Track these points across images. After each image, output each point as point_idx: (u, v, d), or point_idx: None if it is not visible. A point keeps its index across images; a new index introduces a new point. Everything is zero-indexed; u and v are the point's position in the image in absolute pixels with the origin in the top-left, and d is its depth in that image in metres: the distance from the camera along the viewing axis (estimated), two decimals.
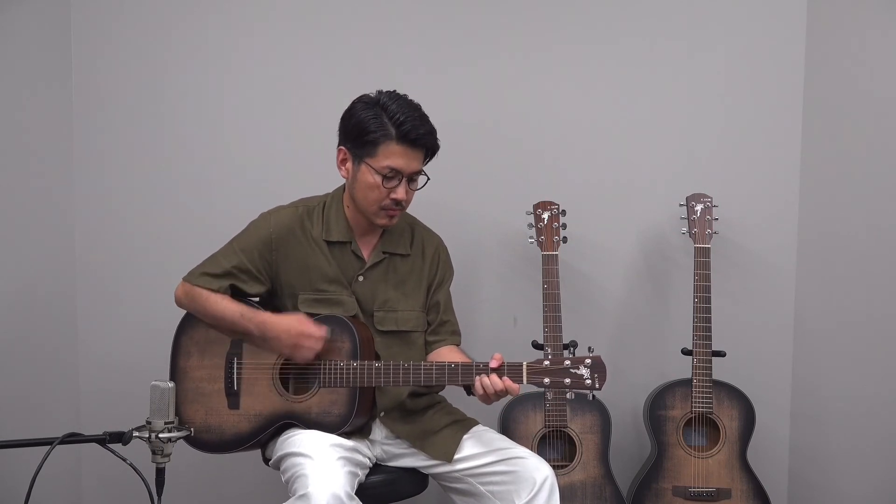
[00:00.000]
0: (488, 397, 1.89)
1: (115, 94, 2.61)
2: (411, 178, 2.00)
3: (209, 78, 2.62)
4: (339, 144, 2.04)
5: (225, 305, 2.01)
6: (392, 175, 1.96)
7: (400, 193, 1.98)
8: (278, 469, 1.94)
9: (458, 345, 2.18)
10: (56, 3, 2.56)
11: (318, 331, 1.95)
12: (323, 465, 1.81)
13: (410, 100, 2.00)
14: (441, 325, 2.17)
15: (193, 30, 2.61)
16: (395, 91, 2.00)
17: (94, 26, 2.59)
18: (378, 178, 1.96)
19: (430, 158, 2.05)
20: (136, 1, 2.61)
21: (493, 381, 1.86)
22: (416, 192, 2.06)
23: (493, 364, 1.88)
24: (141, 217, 2.62)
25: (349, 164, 2.02)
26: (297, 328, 1.95)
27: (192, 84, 2.62)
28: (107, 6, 2.60)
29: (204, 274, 2.04)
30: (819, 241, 2.64)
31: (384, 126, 1.94)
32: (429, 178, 2.05)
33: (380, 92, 2.00)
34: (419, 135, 1.95)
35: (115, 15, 2.60)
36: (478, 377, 1.88)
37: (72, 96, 2.60)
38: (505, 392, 1.87)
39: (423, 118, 1.98)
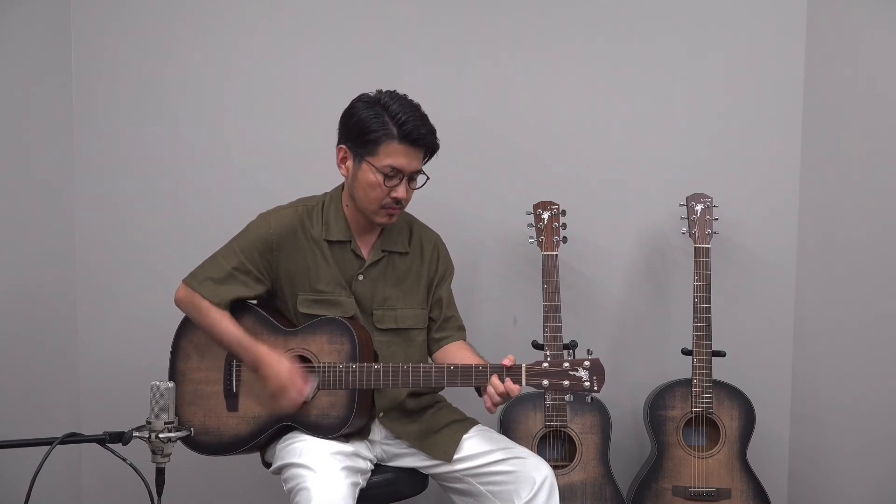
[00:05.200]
0: (493, 404, 1.87)
1: (115, 94, 2.61)
2: (411, 177, 2.01)
3: (209, 78, 2.62)
4: (338, 143, 2.04)
5: (224, 327, 2.00)
6: (393, 174, 1.97)
7: (400, 192, 1.98)
8: (279, 475, 1.94)
9: (464, 339, 2.18)
10: (56, 3, 2.56)
11: (303, 388, 1.94)
12: (325, 478, 1.81)
13: (410, 99, 2.00)
14: (446, 320, 2.17)
15: (193, 30, 2.61)
16: (395, 91, 2.01)
17: (94, 26, 2.59)
18: (379, 177, 1.96)
19: (430, 158, 2.05)
20: (137, 1, 2.61)
21: (495, 385, 1.86)
22: (417, 192, 2.06)
23: (506, 363, 1.87)
24: (141, 217, 2.62)
25: (349, 163, 2.02)
26: (286, 379, 1.94)
27: (192, 84, 2.62)
28: (107, 6, 2.60)
29: (207, 279, 2.03)
30: (819, 241, 2.64)
31: (386, 125, 1.94)
32: (428, 178, 2.06)
33: (380, 91, 2.01)
34: (420, 134, 1.96)
35: (115, 15, 2.60)
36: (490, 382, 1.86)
37: (72, 96, 2.60)
38: (506, 394, 1.86)
39: (424, 118, 1.99)
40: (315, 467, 1.84)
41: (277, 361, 1.95)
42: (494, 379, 1.86)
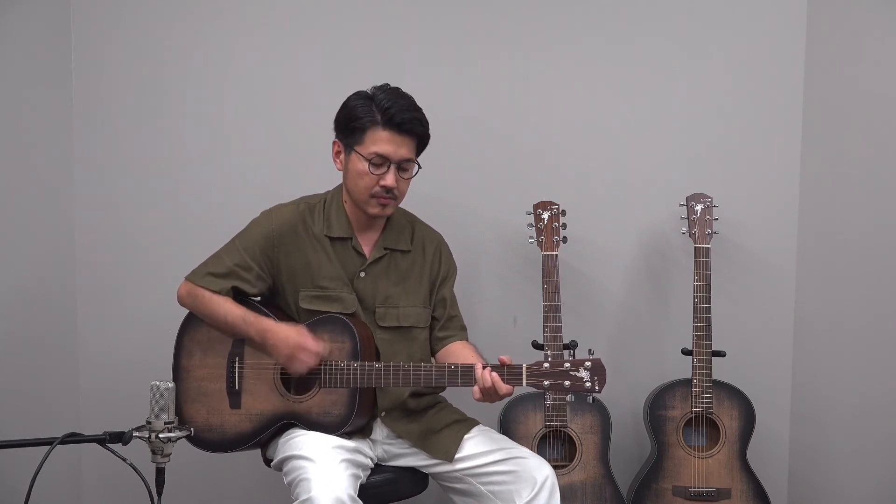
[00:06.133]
0: (482, 395, 1.88)
1: (115, 94, 2.61)
2: (402, 166, 2.01)
3: (209, 78, 2.62)
4: (334, 139, 2.06)
5: (227, 308, 2.01)
6: (380, 161, 1.98)
7: (389, 180, 1.98)
8: (280, 471, 1.94)
9: (466, 339, 2.19)
10: (56, 3, 2.56)
11: (315, 346, 1.95)
12: (325, 468, 1.82)
13: (403, 92, 2.02)
14: (449, 320, 2.18)
15: (193, 30, 2.61)
16: (387, 84, 2.02)
17: (94, 26, 2.59)
18: (365, 165, 1.97)
19: (423, 148, 2.06)
20: (136, 1, 2.61)
21: (483, 377, 1.86)
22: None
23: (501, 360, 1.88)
24: (141, 217, 2.62)
25: (342, 156, 2.04)
26: (296, 340, 1.95)
27: (192, 84, 2.62)
28: (107, 6, 2.60)
29: (208, 274, 2.04)
30: (819, 241, 2.64)
31: (371, 113, 1.97)
32: (420, 167, 2.06)
33: (374, 87, 2.02)
34: (404, 119, 1.97)
35: (115, 15, 2.60)
36: (481, 370, 1.87)
37: (72, 96, 2.60)
38: (494, 390, 1.86)
39: (412, 106, 2.00)
40: (315, 458, 1.84)
41: (284, 328, 1.97)
42: (485, 371, 1.86)
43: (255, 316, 2.00)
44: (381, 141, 1.97)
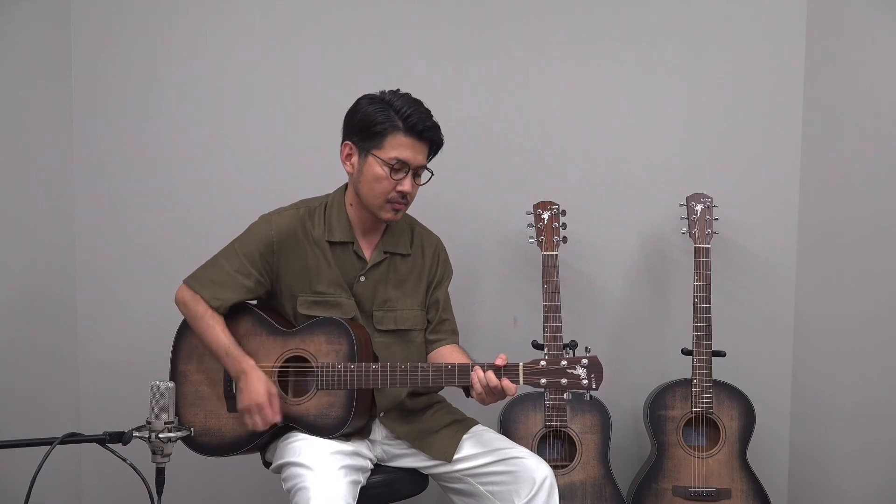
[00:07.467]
0: (484, 396, 1.87)
1: (115, 94, 2.61)
2: (416, 172, 2.02)
3: (209, 78, 2.62)
4: (343, 140, 2.05)
5: (215, 334, 2.00)
6: (399, 167, 1.98)
7: (406, 186, 1.99)
8: (279, 474, 1.94)
9: (457, 343, 2.18)
10: (56, 3, 2.56)
11: (272, 415, 1.94)
12: (324, 477, 1.81)
13: (414, 97, 2.02)
14: (440, 323, 2.17)
15: (193, 30, 2.62)
16: (398, 89, 2.02)
17: (94, 26, 2.60)
18: (386, 170, 1.97)
19: (434, 154, 2.06)
20: (136, 1, 2.61)
21: (489, 377, 1.85)
22: (417, 192, 2.06)
23: (497, 363, 1.87)
24: (141, 217, 2.62)
25: (355, 159, 2.03)
26: (260, 400, 1.94)
27: (192, 84, 2.62)
28: (107, 6, 2.60)
29: (210, 282, 2.03)
30: (819, 241, 2.64)
31: (391, 118, 1.96)
32: (433, 174, 2.06)
33: (383, 91, 2.02)
34: (426, 127, 1.98)
35: (115, 15, 2.60)
36: (474, 371, 1.86)
37: (72, 96, 2.60)
38: (501, 391, 1.85)
39: (428, 112, 2.01)
40: (314, 466, 1.84)
41: (259, 381, 1.96)
42: (489, 373, 1.85)
43: (238, 353, 1.99)
44: (402, 147, 1.97)
